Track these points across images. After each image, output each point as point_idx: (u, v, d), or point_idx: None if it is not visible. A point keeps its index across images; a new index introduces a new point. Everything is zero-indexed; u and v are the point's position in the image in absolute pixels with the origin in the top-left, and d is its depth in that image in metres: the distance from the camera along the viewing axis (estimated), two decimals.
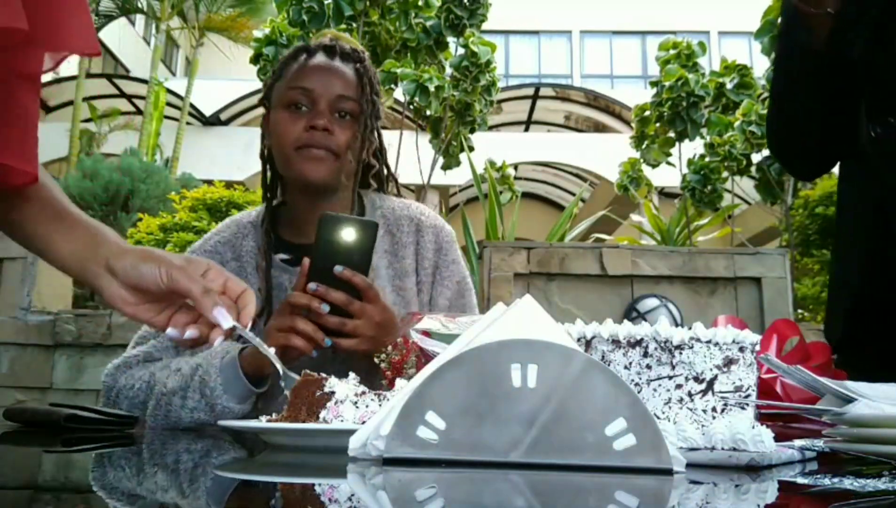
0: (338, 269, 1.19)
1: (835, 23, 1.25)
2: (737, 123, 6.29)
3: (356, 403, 0.85)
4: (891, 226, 1.26)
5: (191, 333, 0.92)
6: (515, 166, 11.46)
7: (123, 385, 1.33)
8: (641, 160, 7.41)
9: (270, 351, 0.95)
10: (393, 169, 1.58)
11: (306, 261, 1.22)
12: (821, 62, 1.28)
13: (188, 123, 12.25)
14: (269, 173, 1.47)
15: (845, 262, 1.38)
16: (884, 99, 1.27)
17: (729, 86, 6.62)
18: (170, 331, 0.92)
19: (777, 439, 0.75)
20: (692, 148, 6.89)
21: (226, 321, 0.89)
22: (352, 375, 0.91)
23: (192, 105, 12.41)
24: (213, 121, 14.49)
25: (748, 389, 0.77)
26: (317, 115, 1.35)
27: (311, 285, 1.20)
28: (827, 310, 1.42)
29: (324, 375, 0.89)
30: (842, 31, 1.25)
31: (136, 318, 0.94)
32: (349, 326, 1.22)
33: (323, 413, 0.84)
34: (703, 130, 6.54)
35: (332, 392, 0.85)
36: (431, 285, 1.47)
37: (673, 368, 0.77)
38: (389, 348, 1.08)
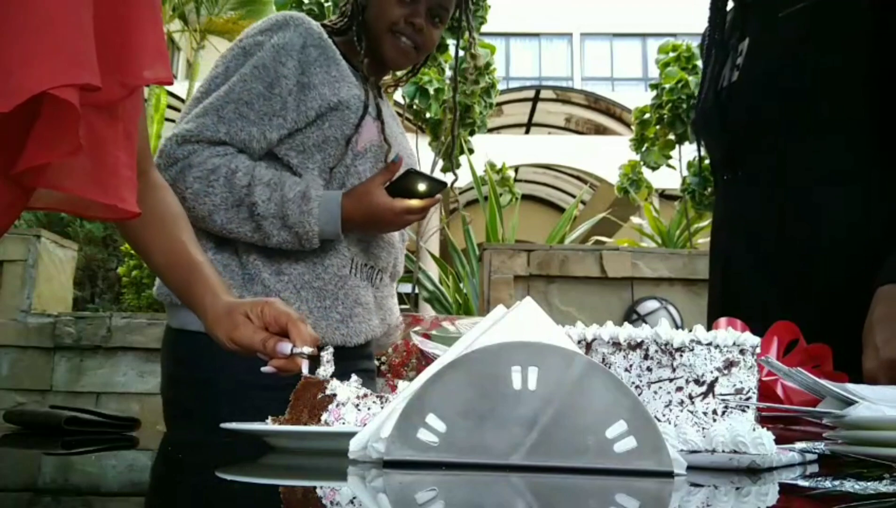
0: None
1: None
2: None
3: (358, 405, 0.85)
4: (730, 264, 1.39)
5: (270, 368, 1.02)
6: (516, 169, 11.46)
7: (196, 164, 1.34)
8: (642, 163, 7.41)
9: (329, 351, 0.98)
10: None
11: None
12: None
13: None
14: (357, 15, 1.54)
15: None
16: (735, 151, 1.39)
17: None
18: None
19: (778, 441, 0.75)
20: (692, 150, 6.88)
21: (286, 348, 0.99)
22: (353, 377, 0.91)
23: None
24: None
25: (749, 391, 0.77)
26: (416, 13, 1.48)
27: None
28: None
29: (326, 378, 0.89)
30: None
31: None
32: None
33: (325, 416, 0.84)
34: None
35: (334, 395, 0.85)
36: None
37: (673, 370, 0.77)
38: (390, 350, 1.08)
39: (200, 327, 1.10)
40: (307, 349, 0.96)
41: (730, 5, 1.47)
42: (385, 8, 1.48)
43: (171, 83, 0.82)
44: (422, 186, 1.42)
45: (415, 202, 1.41)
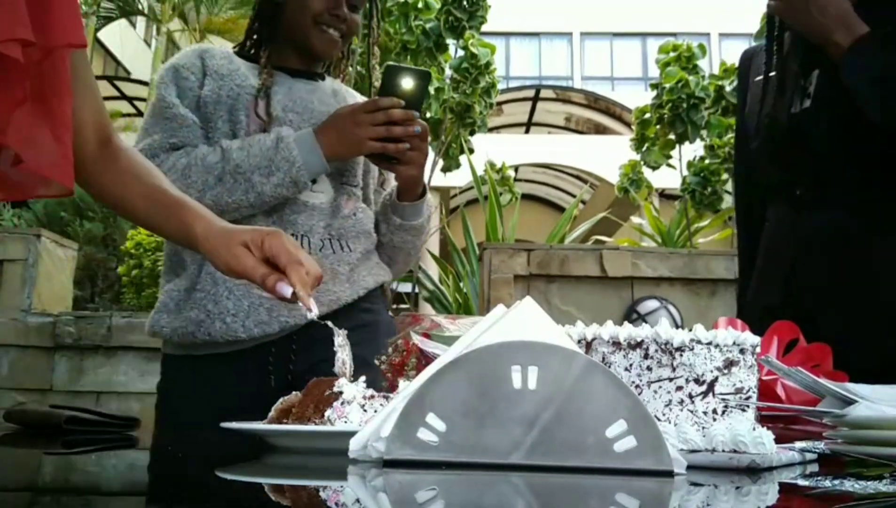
0: (415, 114, 1.40)
1: None
2: None
3: (364, 406, 0.84)
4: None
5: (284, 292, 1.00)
6: (516, 168, 11.46)
7: (167, 169, 1.36)
8: (642, 162, 7.42)
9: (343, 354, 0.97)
10: None
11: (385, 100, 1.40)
12: None
13: None
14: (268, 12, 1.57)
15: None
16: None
17: (729, 88, 6.62)
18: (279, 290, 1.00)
19: (778, 441, 0.75)
20: (692, 150, 6.88)
21: (286, 290, 0.98)
22: (362, 378, 0.91)
23: None
24: None
25: (749, 391, 0.77)
26: (337, 3, 1.51)
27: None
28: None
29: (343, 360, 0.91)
30: None
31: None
32: (410, 155, 1.45)
33: (328, 412, 0.84)
34: (703, 133, 6.54)
35: (340, 393, 0.85)
36: None
37: (673, 370, 0.77)
38: (390, 349, 1.09)
39: None
40: (313, 314, 0.96)
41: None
42: (307, 2, 1.51)
43: (85, 46, 0.83)
44: (407, 83, 1.38)
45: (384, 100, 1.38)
